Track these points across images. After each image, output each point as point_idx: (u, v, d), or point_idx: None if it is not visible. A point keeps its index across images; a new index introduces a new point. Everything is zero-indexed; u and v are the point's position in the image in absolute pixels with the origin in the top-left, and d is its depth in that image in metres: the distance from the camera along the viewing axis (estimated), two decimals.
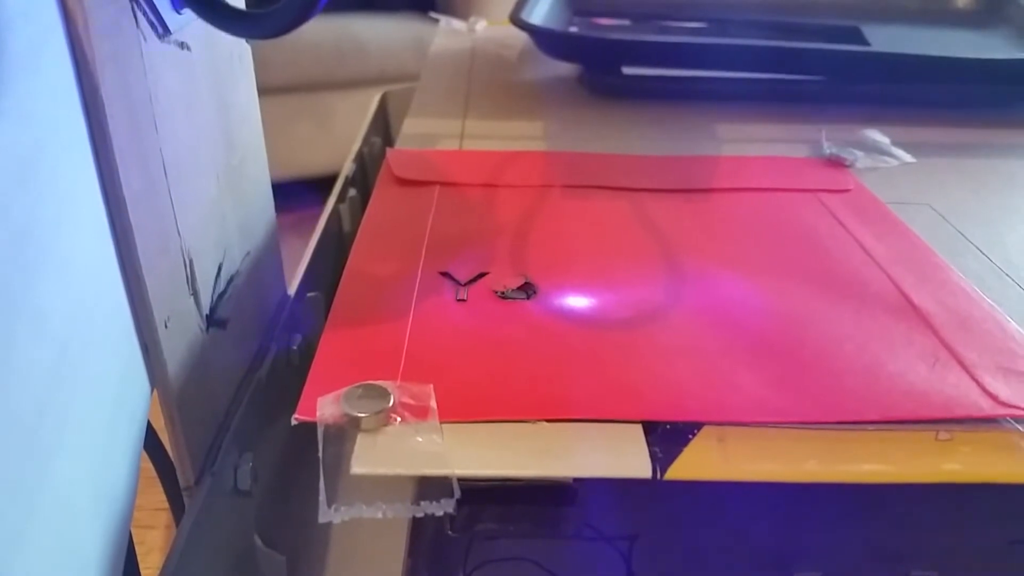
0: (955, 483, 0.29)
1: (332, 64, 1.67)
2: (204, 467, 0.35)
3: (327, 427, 0.29)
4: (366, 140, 0.71)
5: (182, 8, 0.32)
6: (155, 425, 0.33)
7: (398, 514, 0.28)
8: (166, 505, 0.36)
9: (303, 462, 0.28)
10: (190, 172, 0.34)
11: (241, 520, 0.38)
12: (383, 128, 0.81)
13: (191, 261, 0.34)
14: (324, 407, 0.30)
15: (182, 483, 0.35)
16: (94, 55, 0.26)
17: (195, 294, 0.35)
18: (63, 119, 0.25)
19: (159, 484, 0.36)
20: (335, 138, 1.66)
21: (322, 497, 0.27)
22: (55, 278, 0.24)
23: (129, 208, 0.28)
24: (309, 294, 0.49)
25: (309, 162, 1.55)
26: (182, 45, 0.33)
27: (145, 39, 0.30)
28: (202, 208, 0.36)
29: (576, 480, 0.36)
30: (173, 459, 0.34)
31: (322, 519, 0.27)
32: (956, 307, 0.39)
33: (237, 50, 0.40)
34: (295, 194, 0.94)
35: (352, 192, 0.63)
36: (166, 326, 0.32)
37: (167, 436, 0.34)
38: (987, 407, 0.32)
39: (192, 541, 0.32)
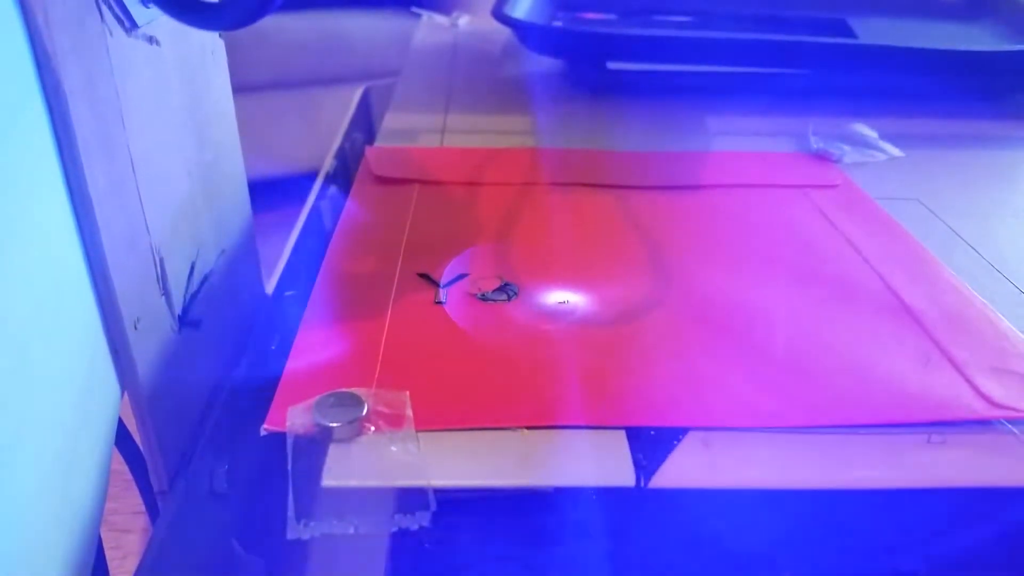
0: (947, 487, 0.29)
1: (318, 60, 1.66)
2: (179, 471, 0.34)
3: (297, 437, 0.28)
4: (347, 136, 0.70)
5: (149, 2, 0.31)
6: (129, 427, 0.32)
7: (371, 529, 0.27)
8: (144, 509, 0.35)
9: (283, 466, 0.27)
10: (160, 168, 0.33)
11: (217, 524, 0.37)
12: (365, 124, 0.80)
13: (162, 260, 0.33)
14: (295, 417, 0.29)
15: (155, 487, 0.34)
16: (55, 49, 0.25)
17: (166, 294, 0.34)
18: (23, 115, 0.24)
19: (136, 487, 0.35)
20: (321, 135, 1.64)
21: (291, 512, 0.26)
22: (15, 278, 0.23)
23: (95, 205, 0.27)
24: (287, 293, 0.48)
25: (295, 159, 1.53)
26: (151, 40, 0.32)
27: (111, 33, 0.29)
28: (173, 205, 0.35)
29: (557, 488, 0.35)
30: (147, 463, 0.33)
31: (290, 535, 0.26)
32: (948, 305, 0.38)
33: (210, 45, 0.39)
34: (281, 192, 0.92)
35: (333, 189, 0.62)
36: (136, 327, 0.31)
37: (139, 439, 0.33)
38: (981, 409, 0.31)
39: (166, 545, 0.31)
